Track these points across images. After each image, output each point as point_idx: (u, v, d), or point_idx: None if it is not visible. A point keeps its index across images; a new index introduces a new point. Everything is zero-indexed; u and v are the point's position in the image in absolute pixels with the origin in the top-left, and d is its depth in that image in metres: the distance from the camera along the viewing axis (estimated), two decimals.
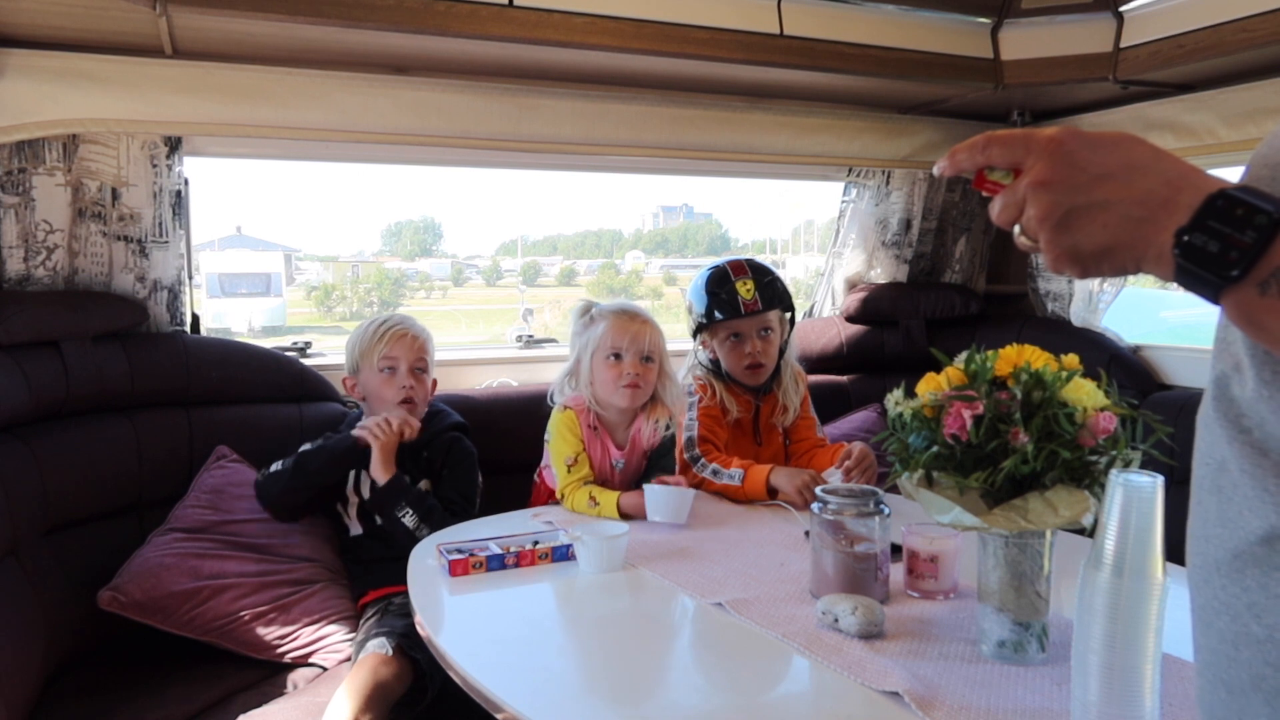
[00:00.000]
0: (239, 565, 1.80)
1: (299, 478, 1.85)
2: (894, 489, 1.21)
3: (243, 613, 1.74)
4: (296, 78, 2.03)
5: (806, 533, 1.47)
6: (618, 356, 1.89)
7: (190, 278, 2.18)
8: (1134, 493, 0.78)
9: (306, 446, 1.88)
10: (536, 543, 1.55)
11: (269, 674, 1.72)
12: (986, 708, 0.99)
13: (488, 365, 2.56)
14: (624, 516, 1.75)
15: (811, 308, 3.04)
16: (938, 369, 1.14)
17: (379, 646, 1.60)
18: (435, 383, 2.07)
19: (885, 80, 2.30)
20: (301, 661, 1.77)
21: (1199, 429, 0.58)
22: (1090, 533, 0.86)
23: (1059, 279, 2.77)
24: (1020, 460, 1.03)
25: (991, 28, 2.32)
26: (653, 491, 1.72)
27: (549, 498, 1.96)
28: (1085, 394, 1.06)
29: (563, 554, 1.52)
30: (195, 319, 2.21)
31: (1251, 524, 0.52)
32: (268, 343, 2.33)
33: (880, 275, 2.93)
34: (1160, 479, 0.79)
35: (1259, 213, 0.51)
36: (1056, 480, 1.05)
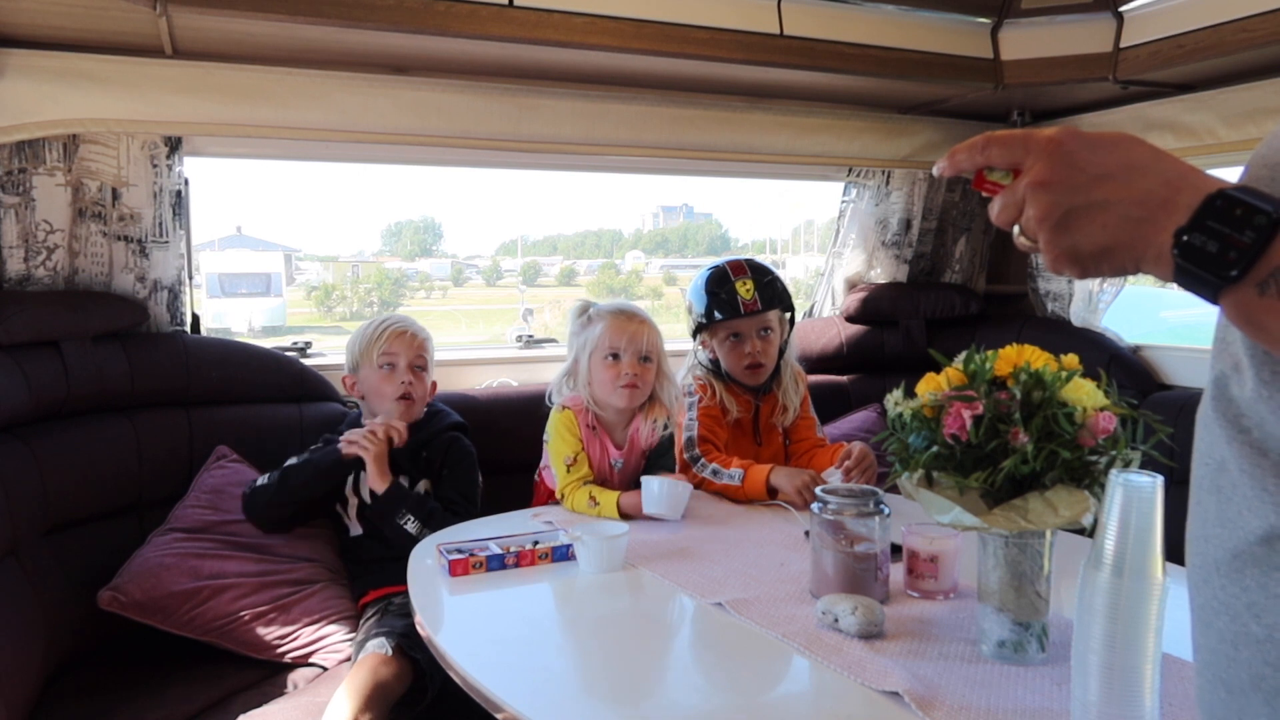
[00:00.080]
0: (239, 565, 1.80)
1: (283, 492, 1.84)
2: (894, 489, 1.21)
3: (243, 613, 1.74)
4: (296, 78, 2.03)
5: (806, 533, 1.47)
6: (616, 357, 1.89)
7: (190, 278, 2.18)
8: (1134, 493, 0.78)
9: (292, 461, 1.87)
10: (536, 543, 1.55)
11: (269, 674, 1.72)
12: (986, 708, 0.99)
13: (488, 365, 2.56)
14: (624, 516, 1.75)
15: (811, 308, 3.04)
16: (938, 369, 1.14)
17: (379, 646, 1.60)
18: (435, 385, 2.07)
19: (885, 80, 2.30)
20: (301, 661, 1.77)
21: (1198, 429, 0.58)
22: (1090, 533, 0.86)
23: (1059, 279, 2.77)
24: (1020, 460, 1.03)
25: (991, 28, 2.32)
26: (649, 484, 1.72)
27: (549, 498, 1.96)
28: (1085, 394, 1.06)
29: (563, 554, 1.52)
30: (195, 319, 2.21)
31: (1251, 524, 0.52)
32: (268, 343, 2.33)
33: (880, 275, 2.93)
34: (1160, 479, 0.79)
35: (1258, 213, 0.51)
36: (1056, 480, 1.05)
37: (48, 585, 1.67)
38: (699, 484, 1.95)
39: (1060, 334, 2.65)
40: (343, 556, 1.94)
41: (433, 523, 1.80)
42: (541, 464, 2.03)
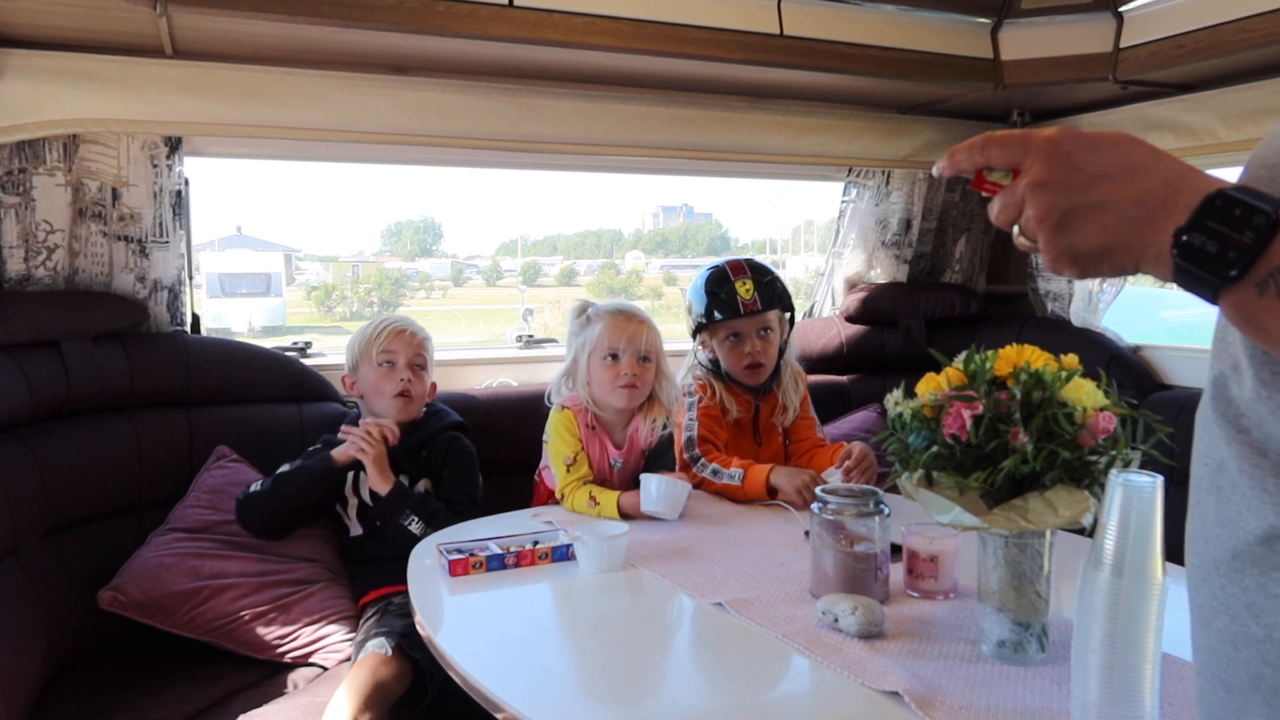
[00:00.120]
0: (239, 565, 1.80)
1: (276, 500, 1.84)
2: (894, 489, 1.21)
3: (243, 613, 1.74)
4: (296, 78, 2.03)
5: (806, 533, 1.47)
6: (615, 357, 1.89)
7: (190, 278, 2.18)
8: (1134, 493, 0.78)
9: (285, 468, 1.87)
10: (536, 543, 1.55)
11: (269, 674, 1.72)
12: (986, 708, 0.99)
13: (488, 365, 2.56)
14: (624, 516, 1.75)
15: (811, 308, 3.04)
16: (938, 369, 1.14)
17: (378, 646, 1.60)
18: (435, 386, 2.07)
19: (885, 80, 2.30)
20: (301, 661, 1.77)
21: (1198, 429, 0.58)
22: (1090, 533, 0.86)
23: (1059, 279, 2.77)
24: (1020, 460, 1.03)
25: (991, 28, 2.32)
26: (648, 482, 1.72)
27: (549, 499, 1.96)
28: (1085, 394, 1.06)
29: (563, 554, 1.52)
30: (195, 319, 2.21)
31: (1250, 524, 0.52)
32: (268, 343, 2.33)
33: (880, 275, 2.93)
34: (1160, 479, 0.79)
35: (1257, 213, 0.51)
36: (1056, 480, 1.05)
37: (48, 585, 1.67)
38: (699, 484, 1.95)
39: (1060, 334, 2.65)
40: (343, 556, 1.94)
41: (436, 522, 1.80)
42: (541, 464, 2.03)
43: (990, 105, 2.63)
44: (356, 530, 1.94)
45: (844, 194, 2.91)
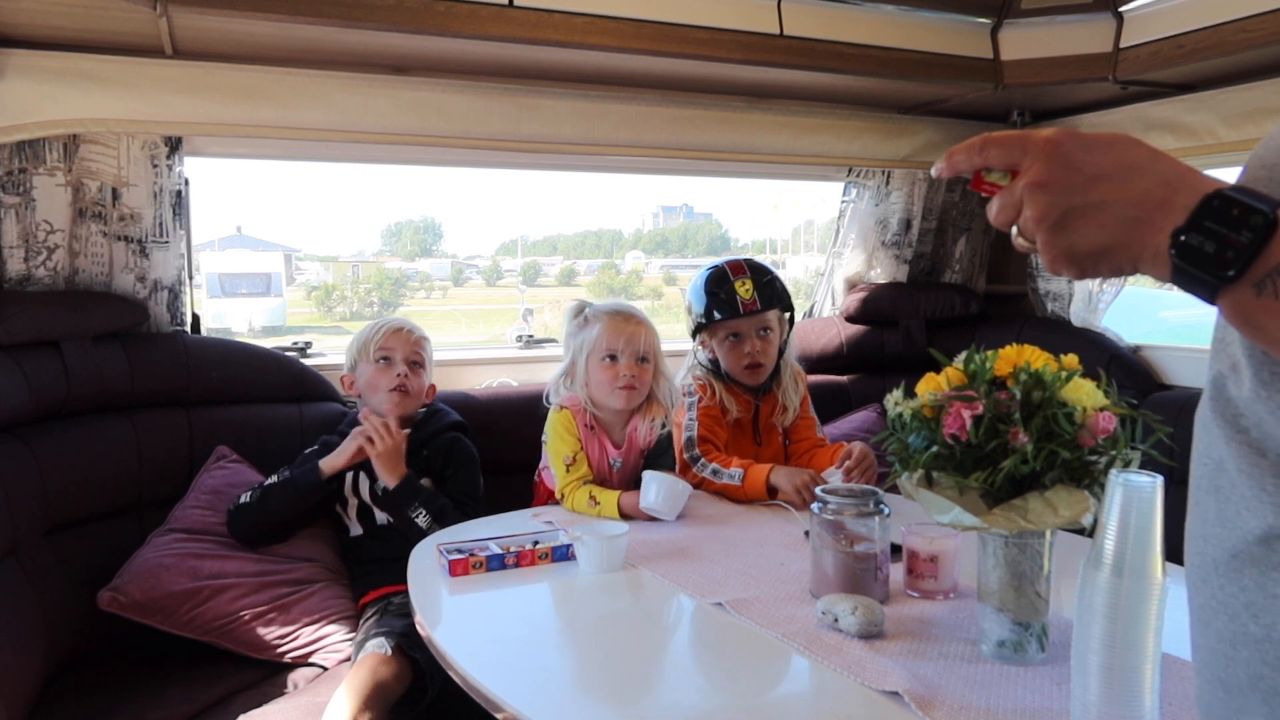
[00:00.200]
0: (239, 565, 1.80)
1: (263, 514, 1.84)
2: (894, 489, 1.21)
3: (243, 613, 1.74)
4: (296, 78, 2.03)
5: (806, 533, 1.47)
6: (613, 358, 1.89)
7: (190, 278, 2.19)
8: (1134, 493, 0.78)
9: (273, 479, 1.87)
10: (536, 543, 1.55)
11: (269, 674, 1.72)
12: (986, 708, 0.99)
13: (488, 365, 2.56)
14: (624, 516, 1.75)
15: (811, 308, 3.04)
16: (938, 369, 1.14)
17: (378, 646, 1.60)
18: (434, 388, 2.07)
19: (885, 80, 2.30)
20: (301, 661, 1.77)
21: (1197, 429, 0.58)
22: (1090, 533, 0.86)
23: (1059, 279, 2.77)
24: (1020, 460, 1.03)
25: (991, 28, 2.32)
26: (649, 480, 1.72)
27: (549, 499, 1.96)
28: (1085, 394, 1.06)
29: (563, 554, 1.52)
30: (195, 319, 2.21)
31: (1249, 524, 0.52)
32: (268, 343, 2.33)
33: (880, 275, 2.93)
34: (1160, 479, 0.79)
35: (1255, 213, 0.51)
36: (1056, 480, 1.05)
37: (48, 585, 1.67)
38: (699, 484, 1.95)
39: (1060, 334, 2.65)
40: (343, 556, 1.95)
41: (443, 519, 1.81)
42: (541, 464, 2.03)
43: (990, 105, 2.63)
44: (356, 530, 1.94)
45: (844, 194, 2.91)
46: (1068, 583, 1.16)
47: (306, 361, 2.27)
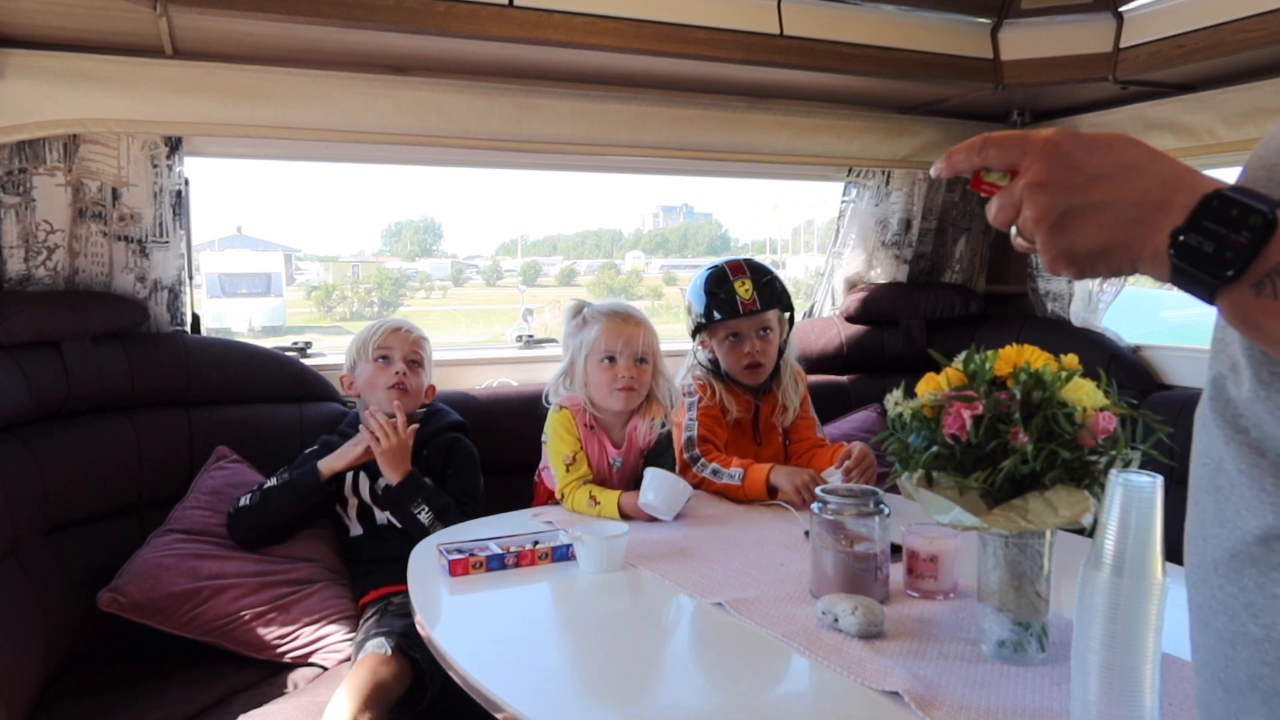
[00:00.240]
0: (238, 565, 1.80)
1: (263, 517, 1.84)
2: (894, 489, 1.21)
3: (243, 613, 1.74)
4: (296, 78, 2.03)
5: (806, 533, 1.47)
6: (611, 360, 1.89)
7: (190, 278, 2.19)
8: (1134, 493, 0.78)
9: (271, 482, 1.87)
10: (536, 543, 1.55)
11: (269, 674, 1.72)
12: (986, 708, 0.99)
13: (488, 365, 2.56)
14: (624, 516, 1.75)
15: (811, 308, 3.04)
16: (938, 369, 1.14)
17: (378, 646, 1.60)
18: (433, 389, 2.07)
19: (885, 80, 2.30)
20: (301, 661, 1.77)
21: (1196, 429, 0.58)
22: (1090, 533, 0.86)
23: (1059, 279, 2.77)
24: (1020, 460, 1.03)
25: (991, 28, 2.32)
26: (650, 475, 1.72)
27: (549, 498, 1.96)
28: (1085, 394, 1.06)
29: (563, 554, 1.52)
30: (195, 319, 2.21)
31: (1249, 524, 0.52)
32: (268, 343, 2.33)
33: (880, 275, 2.93)
34: (1160, 479, 0.79)
35: (1254, 213, 0.51)
36: (1056, 480, 1.05)
37: (48, 585, 1.67)
38: (699, 484, 1.95)
39: (1060, 334, 2.65)
40: (343, 556, 1.95)
41: (446, 517, 1.82)
42: (541, 465, 2.03)
43: (990, 105, 2.63)
44: (356, 530, 1.94)
45: (844, 194, 2.91)
46: (1068, 583, 1.16)
47: (306, 361, 2.27)
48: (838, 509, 1.33)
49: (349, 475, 1.91)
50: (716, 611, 1.29)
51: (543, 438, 1.97)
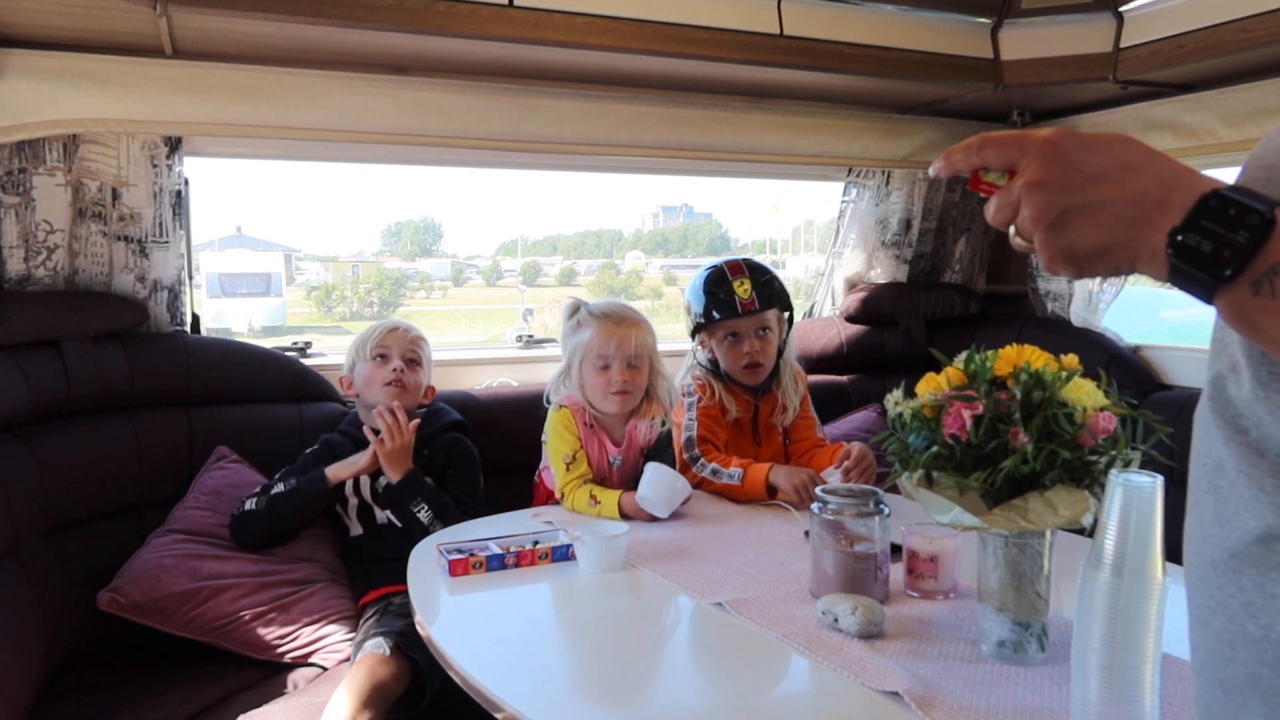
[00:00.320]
0: (238, 565, 1.80)
1: (271, 521, 1.84)
2: (894, 489, 1.21)
3: (243, 613, 1.74)
4: (296, 78, 2.03)
5: (806, 533, 1.47)
6: (605, 364, 1.89)
7: (190, 278, 2.19)
8: (1134, 493, 0.78)
9: (279, 488, 1.86)
10: (536, 543, 1.55)
11: (269, 674, 1.72)
12: (986, 708, 0.99)
13: (488, 365, 2.56)
14: (624, 516, 1.75)
15: (811, 308, 3.04)
16: (938, 369, 1.14)
17: (377, 646, 1.60)
18: (433, 390, 2.08)
19: (885, 80, 2.30)
20: (301, 661, 1.77)
21: (1196, 429, 0.58)
22: (1090, 533, 0.86)
23: (1059, 279, 2.77)
24: (1020, 460, 1.03)
25: (991, 28, 2.32)
26: (651, 469, 1.72)
27: (549, 499, 1.96)
28: (1085, 394, 1.06)
29: (563, 554, 1.52)
30: (195, 319, 2.21)
31: (1248, 524, 0.52)
32: (268, 343, 2.33)
33: (880, 275, 2.93)
34: (1160, 479, 0.79)
35: (1252, 213, 0.51)
36: (1056, 480, 1.05)
37: (48, 585, 1.67)
38: (699, 484, 1.95)
39: (1060, 334, 2.65)
40: (343, 556, 1.95)
41: (445, 516, 1.82)
42: (541, 465, 2.03)
43: (990, 105, 2.63)
44: (356, 530, 1.94)
45: (844, 194, 2.91)
46: (1068, 583, 1.16)
47: (306, 361, 2.27)
48: (838, 509, 1.33)
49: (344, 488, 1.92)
50: (716, 611, 1.29)
51: (543, 437, 1.97)
